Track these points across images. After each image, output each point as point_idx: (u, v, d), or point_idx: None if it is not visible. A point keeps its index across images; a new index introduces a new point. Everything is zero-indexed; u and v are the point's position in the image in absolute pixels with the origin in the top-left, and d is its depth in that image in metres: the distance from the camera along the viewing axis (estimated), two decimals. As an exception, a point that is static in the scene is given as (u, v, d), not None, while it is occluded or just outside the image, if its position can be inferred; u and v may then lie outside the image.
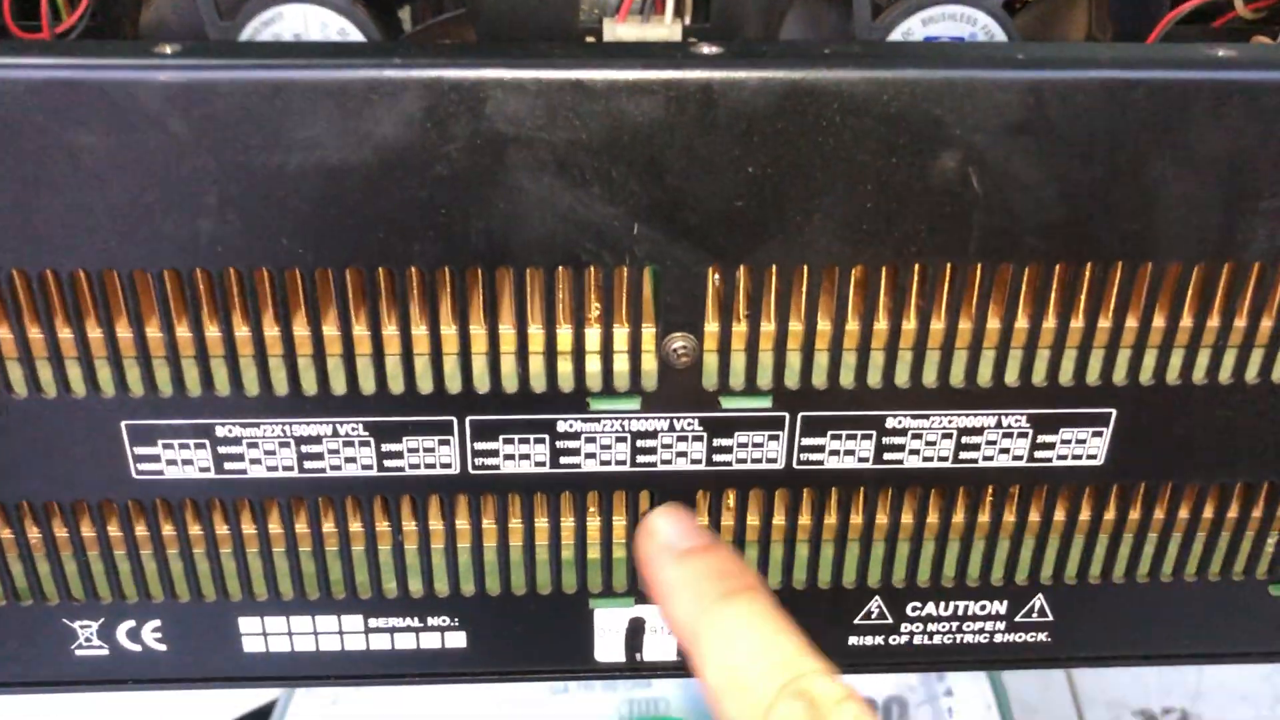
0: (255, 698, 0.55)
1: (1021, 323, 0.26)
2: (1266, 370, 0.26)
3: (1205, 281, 0.25)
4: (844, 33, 0.47)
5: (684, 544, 0.25)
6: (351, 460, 0.26)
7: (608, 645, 0.29)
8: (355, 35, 0.46)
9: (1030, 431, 0.27)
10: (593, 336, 0.25)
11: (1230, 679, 0.86)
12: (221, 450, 0.26)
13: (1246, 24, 0.46)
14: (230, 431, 0.26)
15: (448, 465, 0.26)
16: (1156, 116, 0.23)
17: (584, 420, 0.26)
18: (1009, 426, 0.27)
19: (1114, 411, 0.27)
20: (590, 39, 0.43)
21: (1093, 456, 0.27)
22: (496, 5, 0.43)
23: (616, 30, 0.38)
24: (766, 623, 0.24)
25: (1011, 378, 0.26)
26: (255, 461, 0.26)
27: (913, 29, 0.47)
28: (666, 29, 0.38)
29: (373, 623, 0.29)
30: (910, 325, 0.26)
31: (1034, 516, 0.28)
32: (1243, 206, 0.24)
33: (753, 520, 0.28)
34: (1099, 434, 0.27)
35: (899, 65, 0.23)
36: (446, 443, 0.26)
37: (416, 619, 0.29)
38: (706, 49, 0.23)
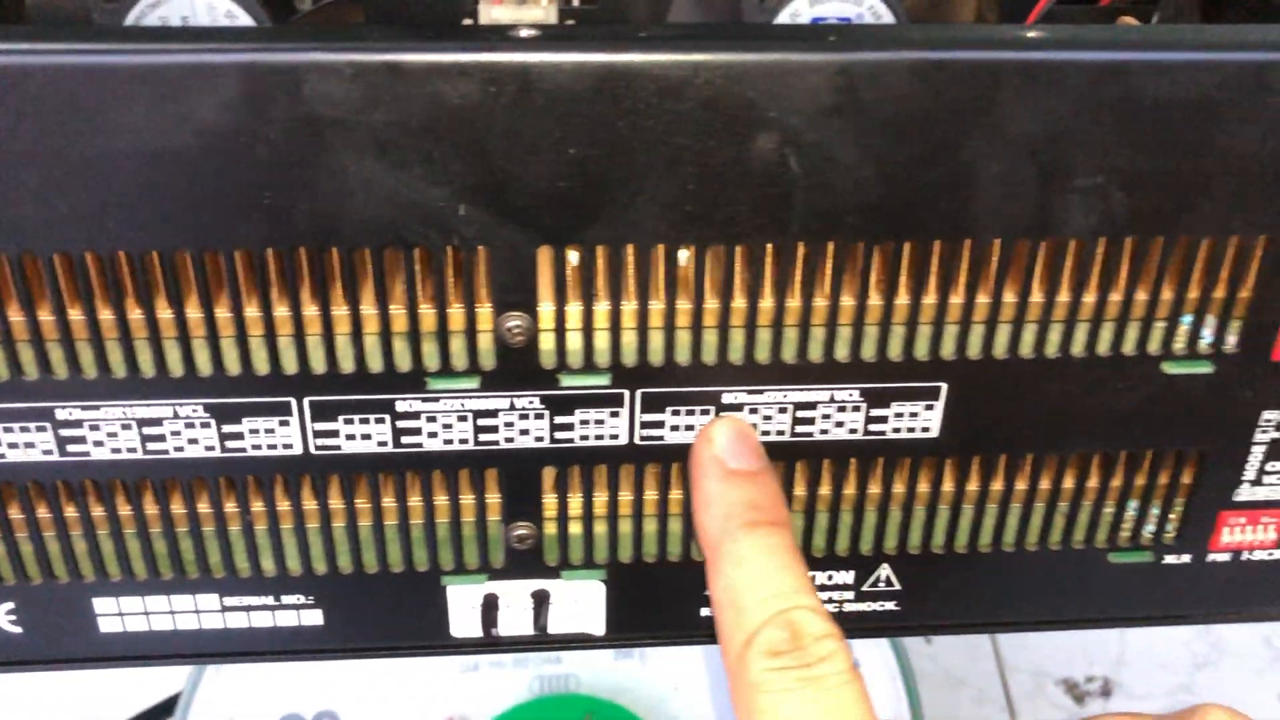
0: (156, 692, 0.55)
1: (848, 300, 0.26)
2: (1092, 344, 0.27)
3: (1026, 258, 0.26)
4: (734, 14, 0.48)
5: (734, 462, 0.27)
6: (194, 442, 0.27)
7: (462, 621, 0.30)
8: (243, 18, 0.46)
9: (864, 405, 0.28)
10: (428, 316, 0.26)
11: (1150, 647, 0.88)
12: (63, 433, 0.26)
13: (1130, 4, 0.46)
14: (71, 414, 0.26)
15: (289, 446, 0.27)
16: (966, 97, 0.24)
17: (423, 400, 0.27)
18: (842, 401, 0.27)
19: (944, 385, 0.27)
20: (468, 21, 0.43)
21: (926, 429, 0.28)
22: (381, -14, 0.43)
23: (491, 13, 0.38)
24: (777, 556, 0.26)
25: (842, 354, 0.27)
26: (98, 444, 0.27)
27: (800, 10, 0.48)
28: (542, 11, 0.38)
29: (228, 601, 0.29)
30: (740, 304, 0.26)
31: (874, 489, 0.29)
32: (1057, 185, 0.25)
33: (599, 496, 0.29)
34: (931, 407, 0.28)
35: (712, 48, 0.23)
36: (286, 423, 0.27)
37: (272, 597, 0.29)
38: (524, 32, 0.24)
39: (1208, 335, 0.27)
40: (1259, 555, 0.31)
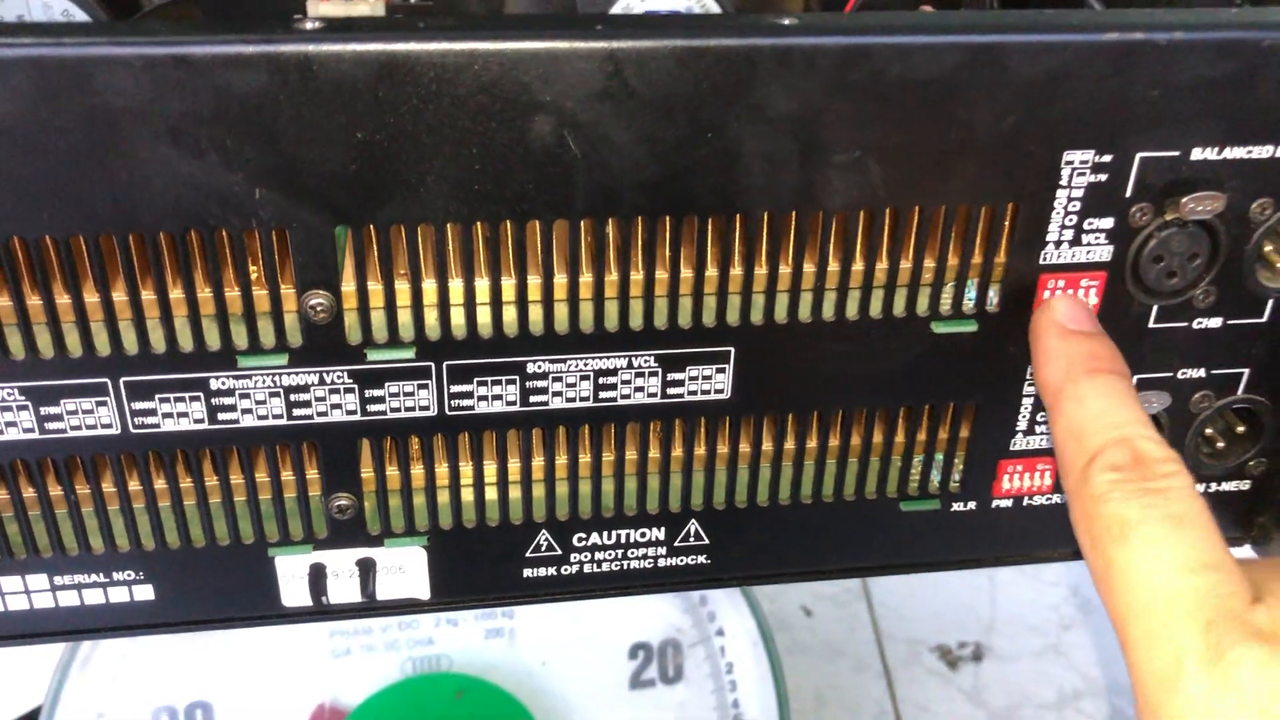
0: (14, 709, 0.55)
1: (636, 274, 0.28)
2: (865, 308, 0.29)
3: (797, 229, 0.28)
4: (568, 8, 0.50)
5: (1072, 325, 0.29)
6: (12, 425, 0.28)
7: (293, 591, 0.31)
8: (78, 14, 0.47)
9: (660, 370, 0.29)
10: (234, 297, 0.27)
11: (1019, 612, 0.92)
12: (-119, 421, 0.27)
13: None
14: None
15: (109, 425, 0.28)
16: (727, 80, 0.26)
17: (235, 377, 0.28)
18: (640, 367, 0.29)
19: (732, 349, 0.29)
20: (297, 17, 0.44)
21: (719, 391, 0.30)
22: (219, -15, 0.44)
23: (319, 9, 0.40)
24: (1118, 395, 0.27)
25: (636, 323, 0.29)
26: (-83, 430, 0.27)
27: (632, 4, 0.50)
28: (369, 5, 0.40)
29: (58, 580, 0.30)
30: (536, 279, 0.28)
31: (676, 450, 0.31)
32: (818, 161, 0.27)
33: (415, 469, 0.30)
34: (721, 370, 0.30)
35: (486, 37, 0.25)
36: (104, 404, 0.28)
37: (101, 574, 0.30)
38: (308, 24, 0.25)
39: (971, 296, 0.30)
40: (1038, 500, 0.33)
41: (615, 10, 0.47)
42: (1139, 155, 0.28)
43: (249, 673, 0.54)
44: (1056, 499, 0.33)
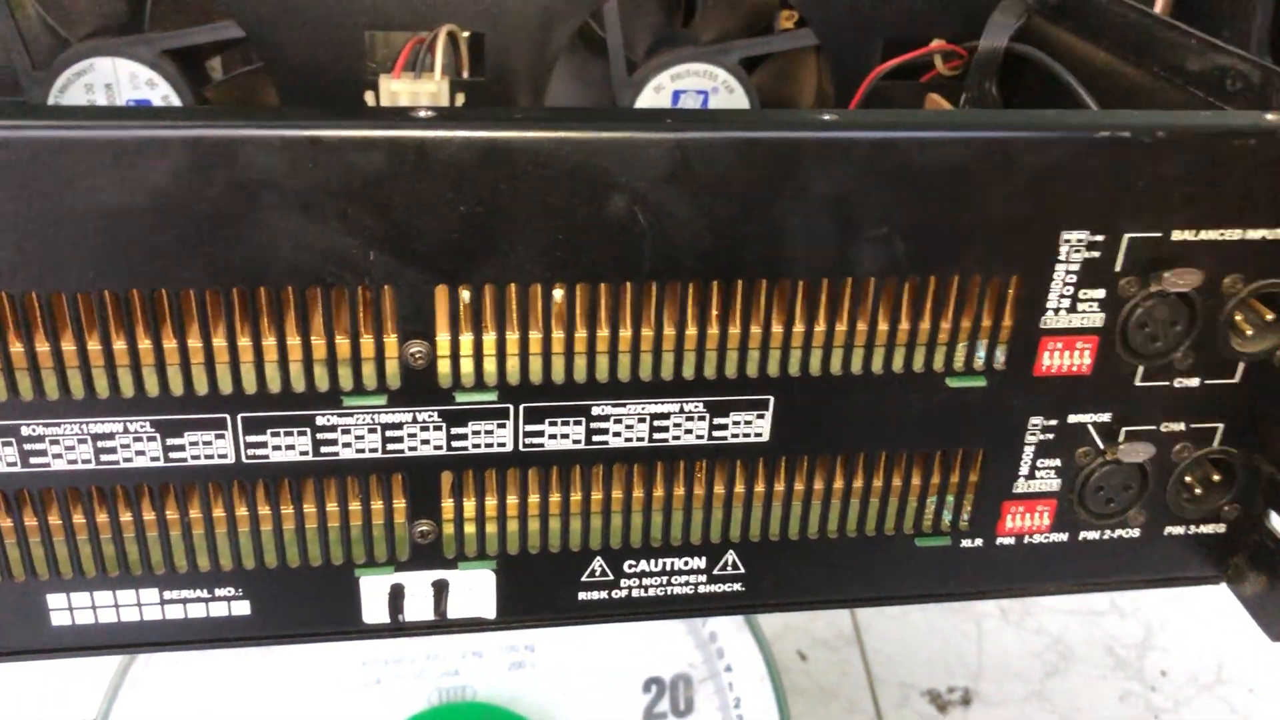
0: None
1: (691, 330, 0.32)
2: (888, 363, 0.33)
3: (831, 294, 0.32)
4: (606, 85, 0.54)
5: None
6: (141, 454, 0.31)
7: (374, 608, 0.35)
8: (162, 85, 0.51)
9: (707, 415, 0.33)
10: (343, 344, 0.31)
11: (1005, 659, 0.96)
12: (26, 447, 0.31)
13: (947, 80, 0.54)
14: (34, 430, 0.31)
15: (225, 456, 0.32)
16: (776, 167, 0.30)
17: (339, 415, 0.32)
18: (690, 412, 0.33)
19: (772, 398, 0.33)
20: (370, 93, 0.49)
21: (759, 435, 0.34)
22: (290, 60, 0.49)
23: (391, 85, 0.44)
24: None
25: (688, 373, 0.33)
26: (57, 456, 0.31)
27: (663, 84, 0.55)
28: (435, 85, 0.44)
29: (167, 595, 0.34)
30: (604, 333, 0.32)
31: (719, 487, 0.35)
32: (851, 236, 0.31)
33: (489, 500, 0.34)
34: (762, 417, 0.34)
35: (574, 127, 0.29)
36: (222, 436, 0.31)
37: (205, 590, 0.34)
38: (423, 113, 0.29)
39: (981, 355, 0.34)
40: (1038, 539, 0.37)
41: (646, 89, 0.52)
42: (1127, 235, 0.32)
43: (285, 698, 0.57)
44: (1054, 537, 0.37)
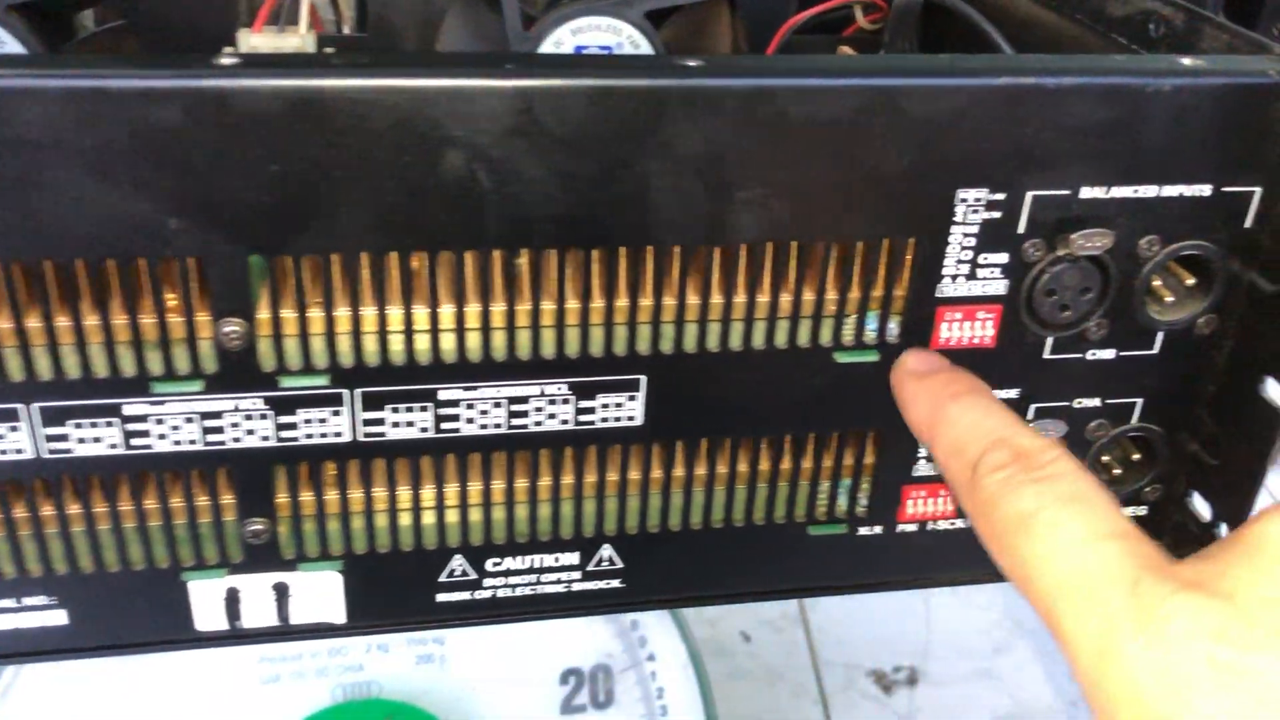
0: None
1: (548, 303, 0.29)
2: (771, 338, 0.30)
3: (704, 262, 0.29)
4: (501, 42, 0.51)
5: (924, 368, 0.30)
6: (-77, 449, 0.28)
7: (207, 615, 0.31)
8: (10, 42, 0.47)
9: (572, 398, 0.30)
10: (149, 324, 0.27)
11: (953, 635, 0.94)
12: None
13: (869, 34, 0.51)
14: None
15: (20, 451, 0.28)
16: (636, 119, 0.27)
17: (150, 403, 0.28)
18: (552, 395, 0.30)
19: (643, 378, 0.30)
20: (228, 49, 0.45)
21: (631, 418, 0.31)
22: (150, 14, 0.45)
23: (250, 40, 0.40)
24: (983, 407, 0.28)
25: (548, 351, 0.29)
26: None
27: (563, 39, 0.51)
28: (299, 39, 0.40)
29: (-30, 606, 0.30)
30: (448, 308, 0.29)
31: (589, 476, 0.32)
32: (724, 197, 0.28)
33: (330, 495, 0.31)
34: (633, 398, 0.30)
35: (399, 74, 0.26)
36: (16, 429, 0.28)
37: (13, 600, 0.30)
38: (225, 59, 0.26)
39: (873, 327, 0.31)
40: (942, 525, 0.35)
41: (545, 45, 0.48)
42: (1030, 194, 0.29)
43: (174, 698, 0.53)
44: (960, 523, 0.35)
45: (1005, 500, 0.25)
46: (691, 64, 0.27)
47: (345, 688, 0.56)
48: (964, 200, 0.29)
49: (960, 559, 0.35)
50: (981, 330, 0.31)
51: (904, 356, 0.31)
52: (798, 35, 0.49)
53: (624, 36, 0.50)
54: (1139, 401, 0.34)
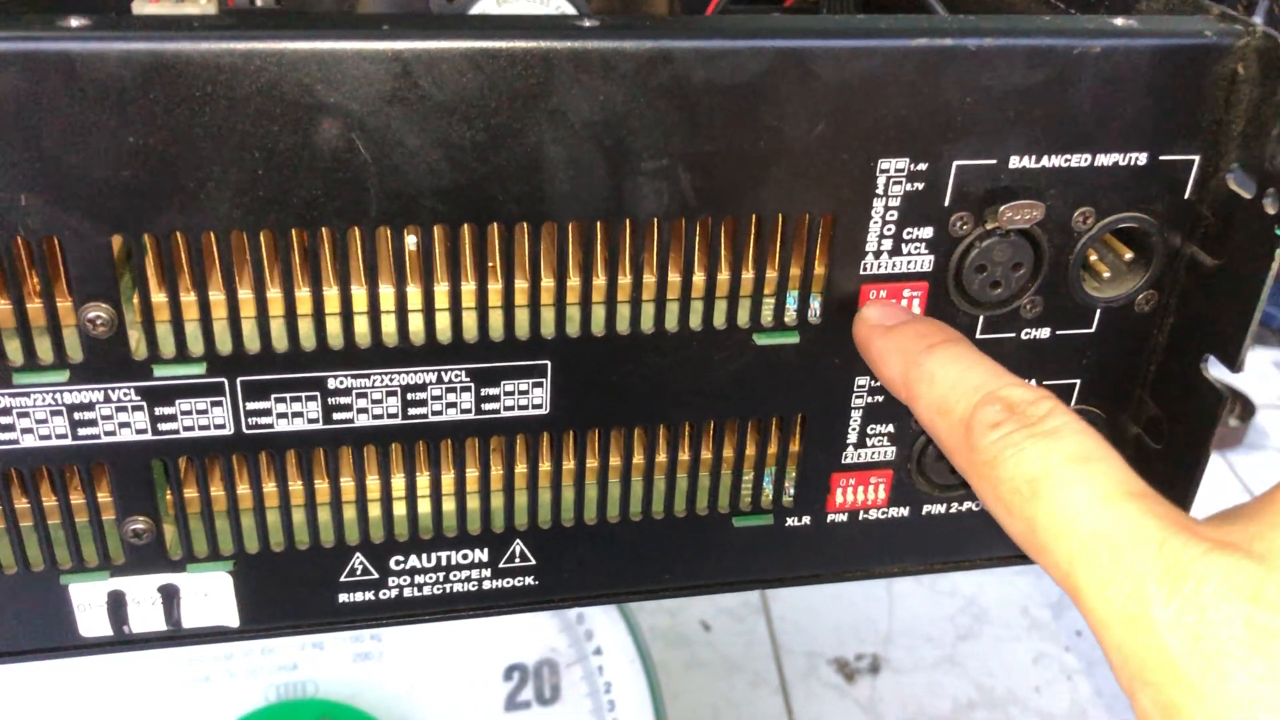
0: None
1: (441, 284, 0.27)
2: (685, 319, 0.29)
3: (609, 239, 0.27)
4: (424, 9, 0.48)
5: (889, 321, 0.28)
6: None
7: (90, 620, 0.30)
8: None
9: (473, 385, 0.28)
10: (4, 310, 0.25)
11: (916, 623, 0.92)
12: None
13: (809, 5, 0.49)
14: None
15: (-128, 448, 0.26)
16: (523, 83, 0.25)
17: (11, 395, 0.26)
18: (451, 382, 0.28)
19: (549, 363, 0.28)
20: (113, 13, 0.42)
21: (537, 406, 0.29)
22: (49, -14, 0.43)
23: (147, 7, 0.38)
24: (965, 358, 0.26)
25: (443, 336, 0.28)
26: None
27: (489, 8, 0.49)
28: (200, 5, 0.38)
29: None
30: (332, 290, 0.27)
31: (495, 468, 0.30)
32: (625, 169, 0.26)
33: (215, 491, 0.29)
34: (539, 385, 0.29)
35: (264, 37, 0.24)
36: None
37: (-123, 608, 0.28)
38: (73, 21, 0.24)
39: (793, 307, 0.29)
40: (874, 514, 0.33)
41: (473, 13, 0.46)
42: (956, 163, 0.28)
43: (102, 699, 0.52)
44: (892, 512, 0.33)
45: (1008, 461, 0.24)
46: (586, 24, 0.25)
47: (279, 687, 0.54)
48: (885, 171, 0.27)
49: (896, 550, 0.33)
50: (909, 309, 0.29)
51: (864, 309, 0.29)
52: (734, 4, 0.47)
53: (553, 7, 0.48)
54: (1076, 383, 0.32)
